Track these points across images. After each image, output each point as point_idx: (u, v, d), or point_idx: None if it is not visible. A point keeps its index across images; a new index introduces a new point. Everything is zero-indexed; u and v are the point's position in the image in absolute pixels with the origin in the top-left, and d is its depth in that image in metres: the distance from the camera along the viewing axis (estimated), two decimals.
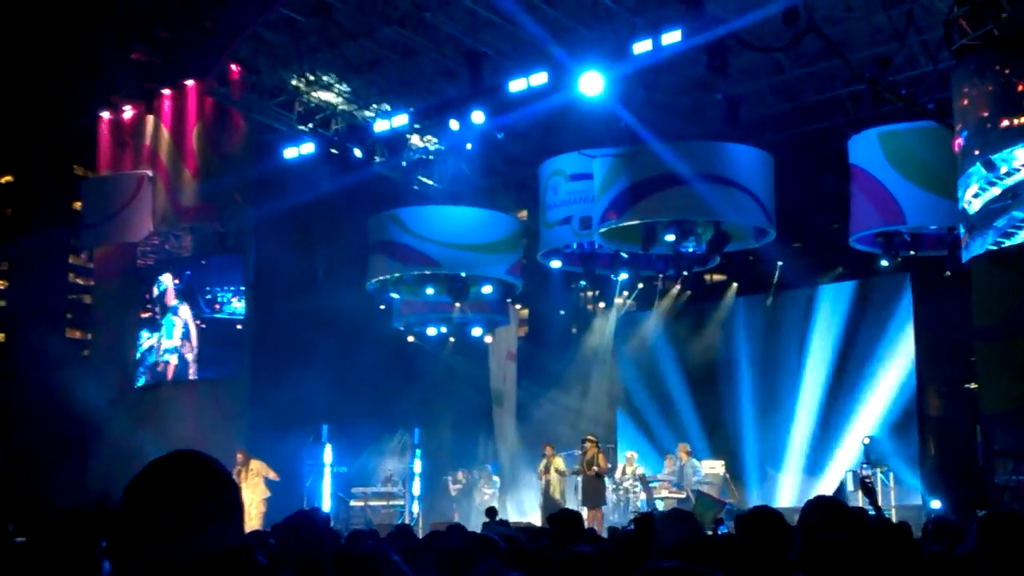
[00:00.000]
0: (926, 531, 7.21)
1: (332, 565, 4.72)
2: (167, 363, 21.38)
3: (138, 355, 21.73)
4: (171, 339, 21.39)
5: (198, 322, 21.12)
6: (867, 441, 19.08)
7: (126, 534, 2.10)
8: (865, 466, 18.34)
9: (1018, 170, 13.90)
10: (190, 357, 21.20)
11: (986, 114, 14.47)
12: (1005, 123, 14.13)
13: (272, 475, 18.36)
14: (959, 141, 14.90)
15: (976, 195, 14.58)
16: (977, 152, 14.50)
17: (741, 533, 5.47)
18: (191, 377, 21.14)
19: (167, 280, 21.54)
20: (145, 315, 21.72)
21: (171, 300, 21.43)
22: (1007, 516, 4.03)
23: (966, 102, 14.89)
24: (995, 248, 14.37)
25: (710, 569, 4.29)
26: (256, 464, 18.36)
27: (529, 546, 5.94)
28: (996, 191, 14.20)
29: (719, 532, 12.84)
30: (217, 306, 21.07)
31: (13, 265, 23.62)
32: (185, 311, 21.31)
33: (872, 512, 9.51)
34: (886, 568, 4.03)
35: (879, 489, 17.61)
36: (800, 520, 4.62)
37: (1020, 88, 14.01)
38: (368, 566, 3.53)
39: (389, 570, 3.53)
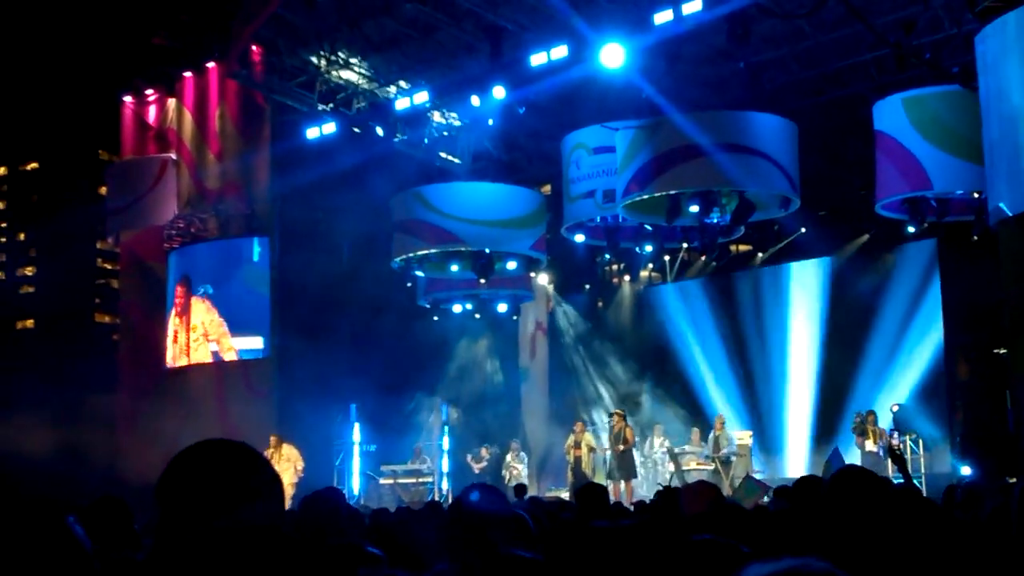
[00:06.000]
0: (949, 497, 7.16)
1: (353, 539, 4.75)
2: (190, 347, 21.55)
3: (167, 339, 21.90)
4: (195, 323, 21.55)
5: (222, 303, 21.24)
6: (896, 409, 19.02)
7: (174, 512, 2.13)
8: (895, 434, 18.30)
9: None
10: (215, 339, 21.33)
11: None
12: None
13: (299, 465, 18.50)
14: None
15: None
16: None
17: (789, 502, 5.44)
18: (220, 359, 21.30)
19: (192, 262, 21.67)
20: (175, 299, 21.88)
21: (196, 282, 21.58)
22: None
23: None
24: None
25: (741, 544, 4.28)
26: (288, 450, 18.50)
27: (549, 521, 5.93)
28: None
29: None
30: (241, 287, 21.19)
31: (40, 251, 23.82)
32: (208, 293, 21.44)
33: (901, 480, 9.49)
34: (913, 538, 4.03)
35: (908, 457, 17.56)
36: (829, 490, 4.61)
37: None
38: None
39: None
